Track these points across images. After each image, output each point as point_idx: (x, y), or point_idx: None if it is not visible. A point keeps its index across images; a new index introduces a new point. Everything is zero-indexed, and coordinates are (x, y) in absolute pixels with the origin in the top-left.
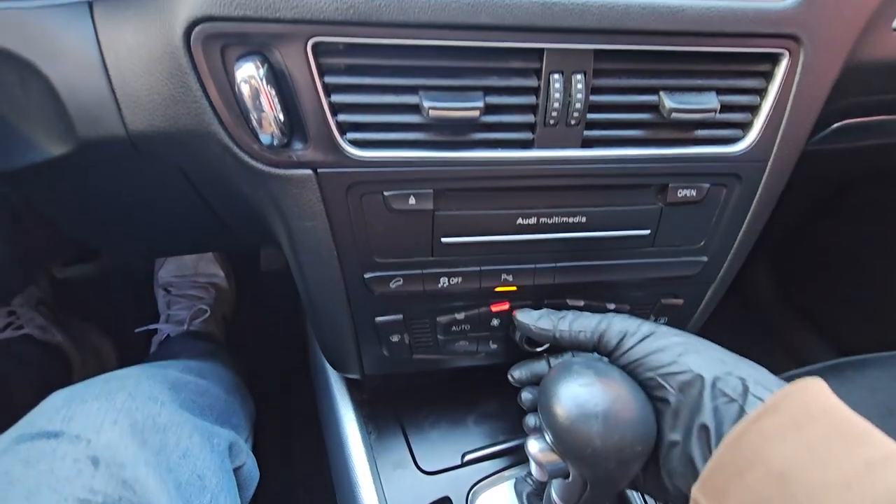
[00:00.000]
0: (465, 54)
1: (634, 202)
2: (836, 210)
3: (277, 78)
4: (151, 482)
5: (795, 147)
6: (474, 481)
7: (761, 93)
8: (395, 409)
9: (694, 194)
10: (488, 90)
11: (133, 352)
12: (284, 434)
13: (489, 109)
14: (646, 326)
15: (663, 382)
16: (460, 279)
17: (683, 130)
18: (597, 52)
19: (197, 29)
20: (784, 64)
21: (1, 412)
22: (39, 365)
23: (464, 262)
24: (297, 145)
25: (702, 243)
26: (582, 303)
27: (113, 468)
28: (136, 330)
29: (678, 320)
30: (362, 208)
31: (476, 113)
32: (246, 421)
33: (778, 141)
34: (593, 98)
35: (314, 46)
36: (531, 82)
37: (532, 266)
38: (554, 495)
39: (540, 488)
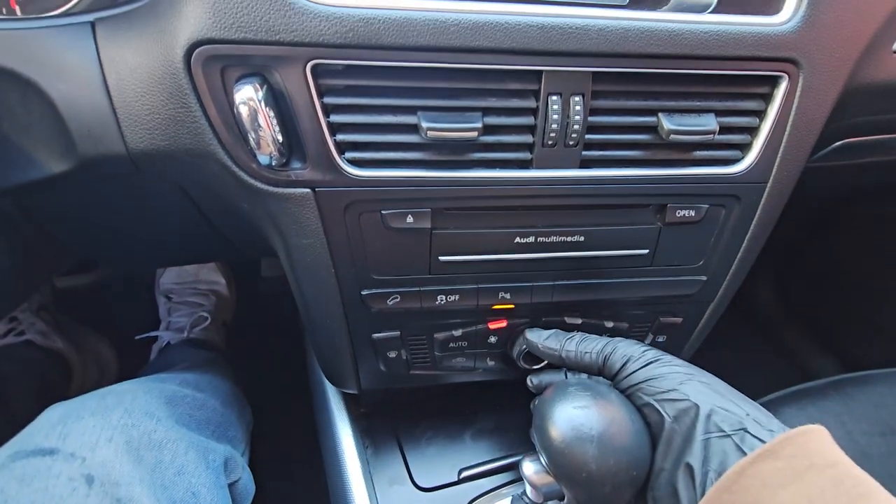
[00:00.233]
0: (464, 76)
1: (633, 222)
2: (838, 223)
3: (277, 98)
4: (146, 500)
5: (795, 168)
6: (471, 498)
7: (760, 115)
8: (392, 424)
9: (693, 214)
10: (487, 111)
11: (133, 357)
12: (282, 445)
13: (488, 130)
14: (651, 353)
15: (660, 408)
16: (458, 297)
17: (682, 151)
18: (595, 73)
19: (198, 51)
20: (783, 87)
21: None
22: (40, 370)
23: (461, 279)
24: (296, 164)
25: (700, 263)
26: (580, 321)
27: (107, 486)
28: (137, 337)
29: (677, 339)
30: (360, 226)
31: (474, 133)
32: (243, 433)
33: (777, 162)
34: (592, 119)
35: (313, 68)
36: (529, 103)
37: (530, 284)
38: None
39: None
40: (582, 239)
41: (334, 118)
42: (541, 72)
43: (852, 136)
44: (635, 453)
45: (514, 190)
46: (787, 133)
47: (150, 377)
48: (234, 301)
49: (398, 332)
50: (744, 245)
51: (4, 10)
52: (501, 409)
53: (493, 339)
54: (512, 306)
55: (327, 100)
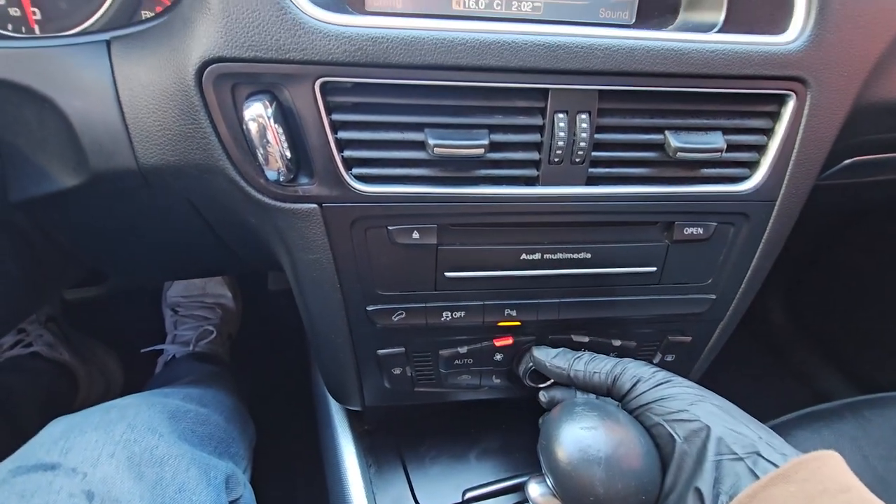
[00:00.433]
0: (471, 94)
1: (640, 239)
2: (849, 241)
3: (285, 115)
4: None
5: (805, 185)
6: None
7: (769, 133)
8: (396, 442)
9: (701, 232)
10: (493, 128)
11: (140, 370)
12: (285, 462)
13: (494, 147)
14: (661, 374)
15: (670, 429)
16: (463, 313)
17: (689, 169)
18: (601, 91)
19: (209, 69)
20: (791, 105)
21: (8, 429)
22: (47, 382)
23: (467, 296)
24: (304, 180)
25: (709, 281)
26: (587, 339)
27: (108, 503)
28: (143, 350)
29: (686, 358)
30: (366, 242)
31: (481, 150)
32: (245, 450)
33: (786, 180)
34: (598, 136)
35: (322, 85)
36: (536, 121)
37: (536, 301)
38: None
39: None
40: (589, 256)
41: (342, 135)
42: (547, 90)
43: (862, 153)
44: (644, 477)
45: (520, 206)
46: (795, 151)
47: (154, 391)
48: (240, 314)
49: (403, 349)
50: (753, 263)
51: (24, 29)
52: (507, 429)
53: (498, 357)
54: (518, 323)
55: (335, 116)
